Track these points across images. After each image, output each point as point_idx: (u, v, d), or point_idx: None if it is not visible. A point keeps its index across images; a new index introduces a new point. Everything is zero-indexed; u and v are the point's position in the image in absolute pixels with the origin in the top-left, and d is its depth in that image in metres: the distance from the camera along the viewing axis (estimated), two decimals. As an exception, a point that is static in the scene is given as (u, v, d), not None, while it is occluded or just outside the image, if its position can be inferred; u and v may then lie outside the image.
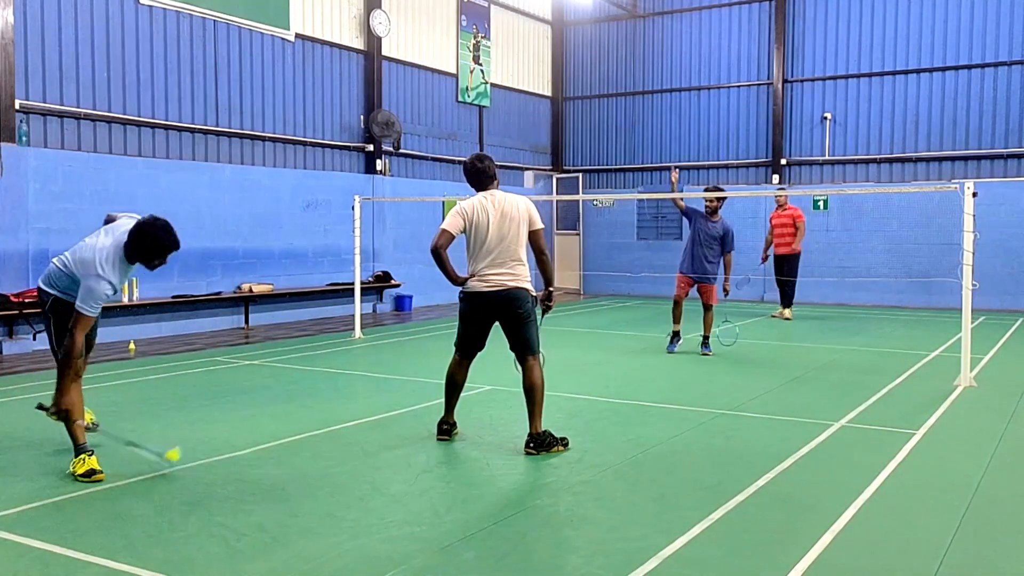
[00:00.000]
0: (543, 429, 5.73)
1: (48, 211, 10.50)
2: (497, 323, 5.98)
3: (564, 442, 5.76)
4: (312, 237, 14.06)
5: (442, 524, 4.27)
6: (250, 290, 12.69)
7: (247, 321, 12.80)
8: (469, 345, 6.09)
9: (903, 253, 16.41)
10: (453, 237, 5.90)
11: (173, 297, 11.73)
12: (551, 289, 6.28)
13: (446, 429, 6.08)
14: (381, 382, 8.35)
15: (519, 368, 5.88)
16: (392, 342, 11.39)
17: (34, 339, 10.23)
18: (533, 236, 5.98)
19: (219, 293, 12.40)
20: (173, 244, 5.33)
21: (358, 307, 11.90)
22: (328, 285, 14.11)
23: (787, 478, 5.09)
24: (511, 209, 5.92)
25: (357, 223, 11.75)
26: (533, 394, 5.77)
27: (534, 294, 6.00)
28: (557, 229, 20.42)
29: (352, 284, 12.26)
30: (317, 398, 7.51)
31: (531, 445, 5.65)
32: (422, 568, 3.73)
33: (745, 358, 9.99)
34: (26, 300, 9.84)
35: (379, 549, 3.96)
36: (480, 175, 6.02)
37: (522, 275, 5.92)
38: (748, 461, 5.43)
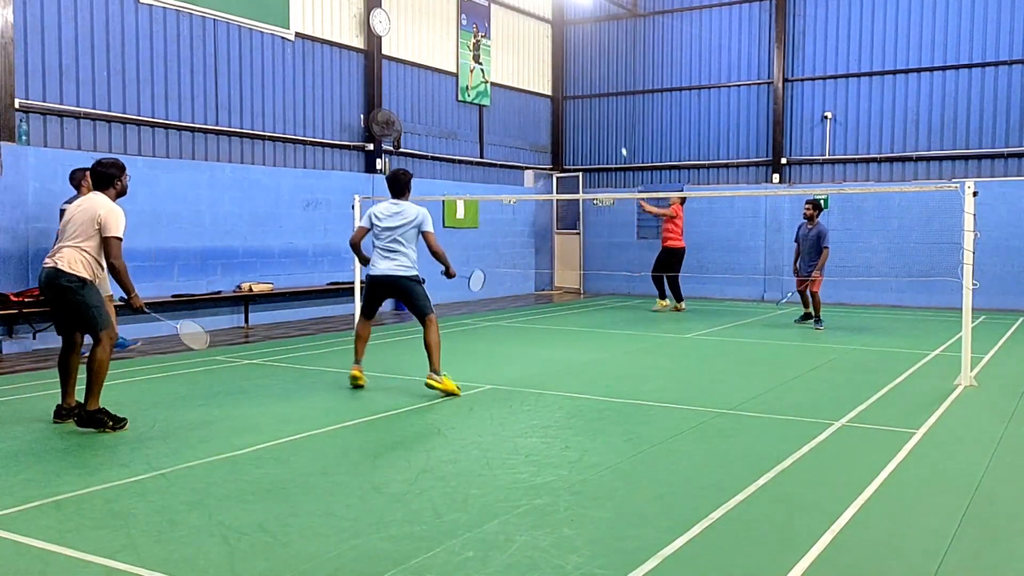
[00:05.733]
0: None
1: (48, 210, 10.48)
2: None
3: (119, 425, 6.12)
4: (312, 236, 14.06)
5: (442, 524, 4.27)
6: (250, 289, 12.68)
7: (247, 320, 12.80)
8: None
9: (903, 252, 16.41)
10: None
11: (173, 296, 11.73)
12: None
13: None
14: (381, 381, 8.35)
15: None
16: (392, 341, 11.39)
17: (34, 338, 10.23)
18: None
19: (219, 292, 12.40)
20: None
21: (358, 306, 11.88)
22: (328, 284, 14.11)
23: (787, 478, 5.09)
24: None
25: (357, 222, 11.73)
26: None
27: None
28: (557, 228, 20.43)
29: (352, 283, 12.25)
30: (317, 398, 7.51)
31: None
32: (422, 568, 3.73)
33: (745, 358, 9.99)
34: (26, 300, 9.84)
35: (379, 548, 3.96)
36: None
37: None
38: (748, 461, 5.43)
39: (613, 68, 19.76)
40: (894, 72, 16.68)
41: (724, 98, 18.42)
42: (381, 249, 7.67)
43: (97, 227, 6.12)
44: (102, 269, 6.26)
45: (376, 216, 7.71)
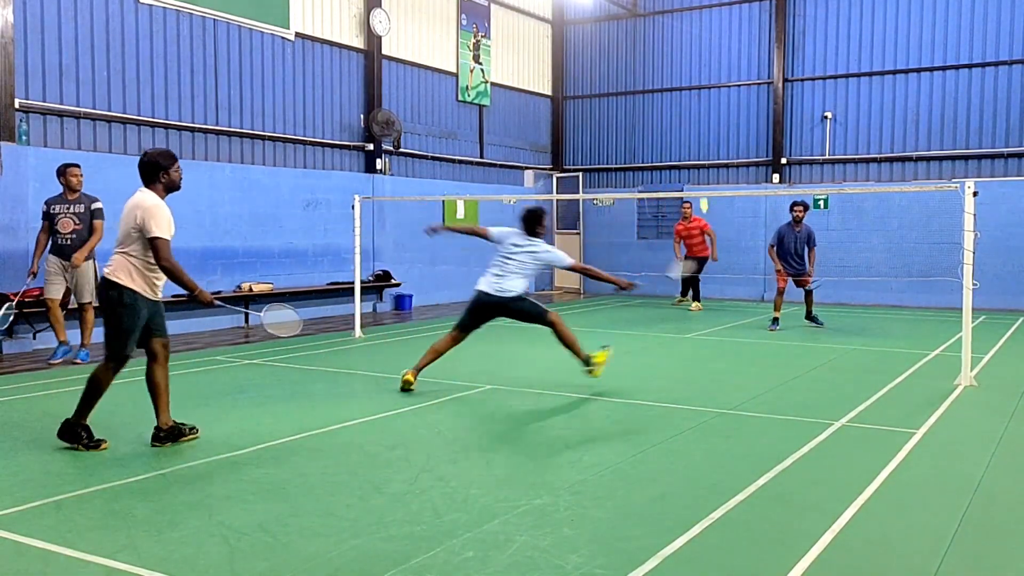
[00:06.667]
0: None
1: (48, 210, 10.50)
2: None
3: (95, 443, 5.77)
4: (312, 236, 14.06)
5: (442, 524, 4.27)
6: (250, 289, 12.68)
7: (247, 320, 12.80)
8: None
9: (903, 252, 16.41)
10: None
11: (173, 296, 11.67)
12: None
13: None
14: (381, 381, 8.35)
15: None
16: (392, 341, 11.39)
17: (34, 338, 10.23)
18: None
19: (219, 292, 12.40)
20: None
21: (358, 306, 11.90)
22: (328, 284, 14.11)
23: (787, 478, 5.09)
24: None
25: (357, 222, 11.75)
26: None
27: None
28: (557, 228, 20.43)
29: (352, 283, 12.26)
30: (317, 398, 7.51)
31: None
32: (422, 568, 3.73)
33: (745, 358, 10.00)
34: (26, 299, 9.83)
35: (379, 548, 3.96)
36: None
37: None
38: (748, 461, 5.43)
39: (613, 68, 19.76)
40: (894, 72, 16.68)
41: (724, 98, 18.42)
42: (499, 268, 7.71)
43: (137, 229, 5.65)
44: (156, 274, 5.81)
45: (508, 238, 7.82)
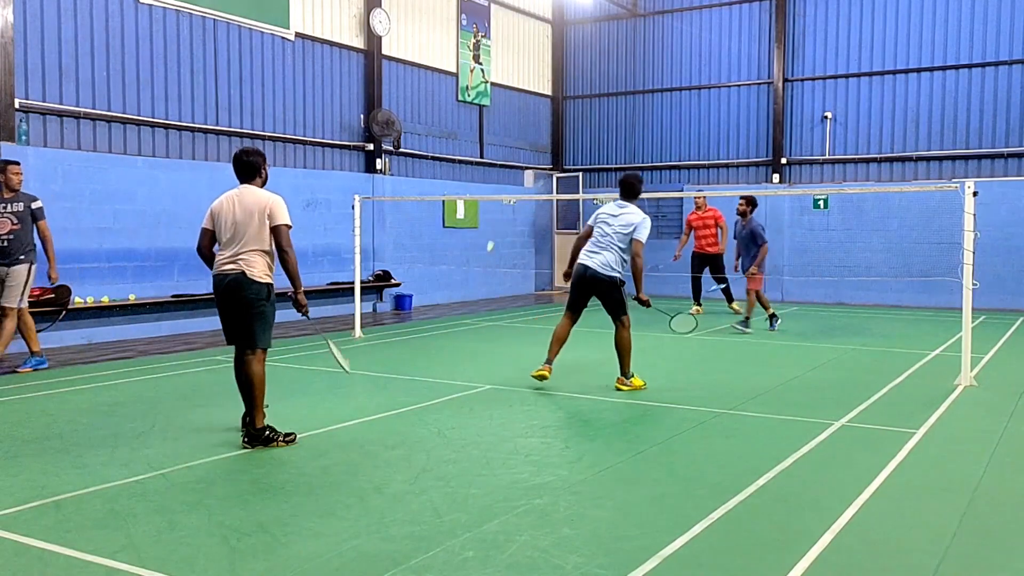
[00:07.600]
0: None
1: (48, 210, 10.40)
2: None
3: (288, 437, 5.88)
4: (312, 236, 14.06)
5: (442, 524, 4.27)
6: (250, 289, 12.67)
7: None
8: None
9: (903, 252, 16.40)
10: None
11: (173, 296, 11.72)
12: None
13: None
14: (381, 381, 8.35)
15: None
16: (392, 341, 11.39)
17: (34, 338, 10.20)
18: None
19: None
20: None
21: (358, 306, 11.89)
22: (328, 284, 14.10)
23: (787, 478, 5.09)
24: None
25: (357, 222, 11.75)
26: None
27: None
28: (557, 228, 20.43)
29: (352, 283, 12.26)
30: (317, 398, 7.51)
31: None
32: (422, 568, 3.73)
33: (745, 358, 10.00)
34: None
35: (379, 548, 3.96)
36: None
37: None
38: (748, 461, 5.43)
39: (613, 68, 19.76)
40: (894, 72, 16.68)
41: (724, 98, 18.42)
42: (592, 244, 7.78)
43: (267, 220, 5.82)
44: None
45: (602, 211, 7.88)
